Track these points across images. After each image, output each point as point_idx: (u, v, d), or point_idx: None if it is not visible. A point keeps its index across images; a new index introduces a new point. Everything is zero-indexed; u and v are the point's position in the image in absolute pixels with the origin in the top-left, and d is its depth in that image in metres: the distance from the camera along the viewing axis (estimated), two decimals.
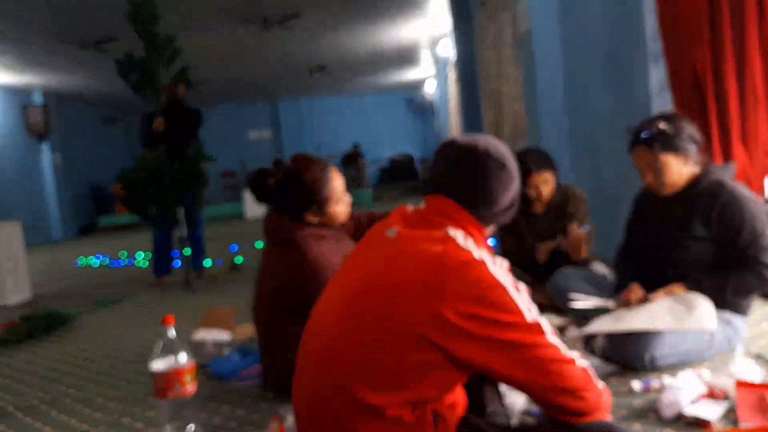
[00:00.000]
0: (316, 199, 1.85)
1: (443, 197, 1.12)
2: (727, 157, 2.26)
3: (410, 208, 1.17)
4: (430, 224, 1.09)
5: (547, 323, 1.06)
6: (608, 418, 1.11)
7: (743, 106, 2.23)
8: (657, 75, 2.81)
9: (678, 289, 1.89)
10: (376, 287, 1.05)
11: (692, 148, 1.90)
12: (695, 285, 1.88)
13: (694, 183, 1.93)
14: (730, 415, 1.48)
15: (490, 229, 1.17)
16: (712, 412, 1.45)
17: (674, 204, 1.97)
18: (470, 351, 1.00)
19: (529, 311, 1.03)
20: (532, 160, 2.62)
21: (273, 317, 1.93)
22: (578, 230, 2.53)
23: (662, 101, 2.81)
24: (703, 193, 1.91)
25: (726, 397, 1.54)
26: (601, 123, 3.71)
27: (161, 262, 4.64)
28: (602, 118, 3.69)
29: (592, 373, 1.08)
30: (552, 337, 1.04)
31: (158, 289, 4.46)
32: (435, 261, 1.01)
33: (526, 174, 2.66)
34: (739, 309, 1.93)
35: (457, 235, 1.06)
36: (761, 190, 2.33)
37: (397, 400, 1.01)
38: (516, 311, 1.01)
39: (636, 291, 1.98)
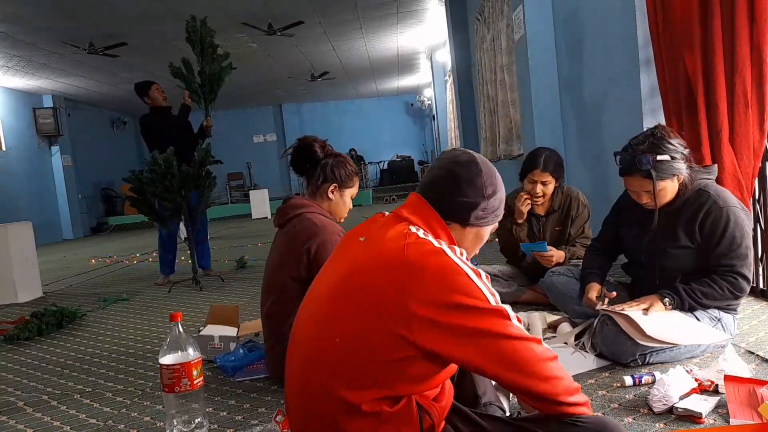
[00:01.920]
0: (347, 178, 2.10)
1: (419, 196, 1.19)
2: (717, 158, 2.28)
3: (385, 214, 1.22)
4: (396, 222, 1.14)
5: (511, 310, 1.07)
6: (588, 411, 1.10)
7: (733, 109, 2.24)
8: (648, 79, 2.85)
9: (656, 305, 1.90)
10: (348, 289, 1.09)
11: (683, 165, 1.91)
12: (672, 291, 1.91)
13: (680, 192, 1.95)
14: (720, 410, 1.51)
15: (461, 232, 1.18)
16: (702, 406, 1.49)
17: (660, 213, 1.98)
18: (437, 341, 1.01)
19: (492, 296, 1.05)
20: (544, 158, 2.69)
21: (276, 296, 2.01)
22: (540, 254, 2.67)
23: (653, 105, 2.85)
24: (687, 202, 1.93)
25: (716, 392, 1.57)
26: (594, 127, 3.77)
27: (167, 261, 4.72)
28: (595, 123, 3.74)
29: (558, 363, 1.08)
30: (516, 323, 1.05)
31: (165, 286, 4.53)
32: (397, 257, 1.04)
33: (531, 167, 2.71)
34: (728, 307, 1.95)
35: (418, 231, 1.11)
36: (751, 192, 2.35)
37: (371, 396, 1.03)
38: (479, 296, 1.02)
39: (593, 290, 2.08)
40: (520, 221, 2.83)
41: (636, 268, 2.15)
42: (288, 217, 2.06)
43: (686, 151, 1.92)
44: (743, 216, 1.89)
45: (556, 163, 2.73)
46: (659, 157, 1.86)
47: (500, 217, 1.23)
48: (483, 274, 1.07)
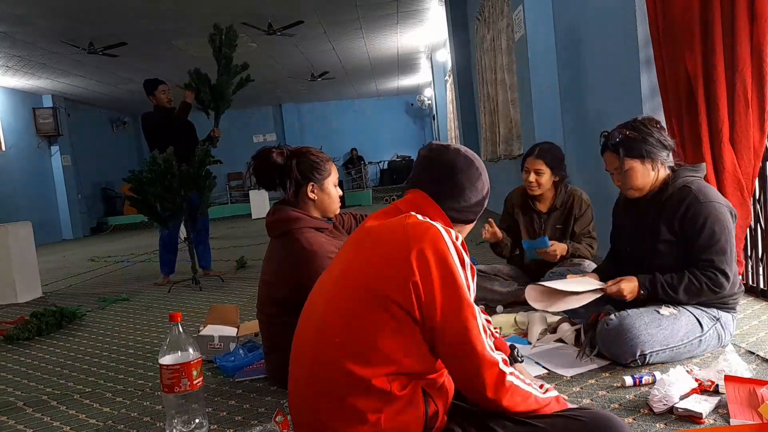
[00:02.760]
0: (318, 170, 1.98)
1: (418, 191, 1.25)
2: (717, 158, 2.28)
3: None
4: (399, 212, 1.22)
5: (480, 314, 1.13)
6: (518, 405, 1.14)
7: (733, 109, 2.24)
8: (648, 80, 2.85)
9: (629, 283, 1.94)
10: (356, 267, 1.16)
11: (661, 154, 1.92)
12: (651, 283, 1.92)
13: (664, 187, 1.96)
14: (721, 410, 1.51)
15: (460, 228, 1.26)
16: (702, 406, 1.49)
17: (647, 209, 2.00)
18: (427, 305, 1.07)
19: (471, 291, 1.12)
20: (539, 149, 2.71)
21: (274, 310, 2.00)
22: (543, 250, 2.66)
23: (653, 105, 2.85)
24: (670, 198, 1.94)
25: (716, 392, 1.57)
26: (595, 127, 3.77)
27: (167, 261, 4.73)
28: (595, 123, 3.75)
29: (513, 379, 1.12)
30: (479, 325, 1.10)
31: (165, 286, 4.53)
32: (400, 231, 1.13)
33: (527, 155, 2.73)
34: (726, 305, 1.95)
35: (426, 216, 1.18)
36: (751, 192, 2.35)
37: (382, 371, 1.07)
38: (456, 280, 1.09)
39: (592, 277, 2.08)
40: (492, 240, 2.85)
41: (625, 266, 2.16)
42: (281, 231, 1.99)
43: (668, 143, 1.94)
44: (724, 212, 1.88)
45: (553, 155, 2.72)
46: (628, 132, 1.91)
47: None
48: (468, 263, 1.14)
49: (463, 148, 1.27)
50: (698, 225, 1.86)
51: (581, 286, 1.97)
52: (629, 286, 1.93)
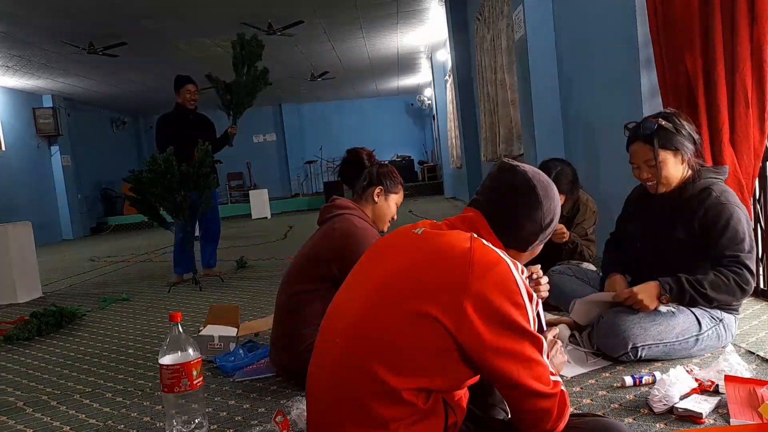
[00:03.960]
0: (392, 182, 2.16)
1: (476, 210, 1.19)
2: (717, 158, 2.28)
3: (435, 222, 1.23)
4: (456, 226, 1.17)
5: (545, 342, 1.09)
6: None
7: (734, 109, 2.24)
8: (648, 80, 2.85)
9: (652, 288, 1.89)
10: (403, 274, 1.10)
11: (690, 148, 1.91)
12: (675, 282, 1.87)
13: (684, 186, 1.95)
14: (721, 410, 1.51)
15: (513, 254, 1.18)
16: (702, 406, 1.49)
17: (663, 206, 1.99)
18: (473, 343, 1.02)
19: (535, 323, 1.06)
20: (555, 175, 2.60)
21: (303, 287, 2.03)
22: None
23: (653, 105, 2.85)
24: (690, 199, 1.93)
25: (716, 392, 1.57)
26: (595, 127, 3.77)
27: (180, 261, 4.67)
28: (595, 123, 3.75)
29: (564, 403, 1.10)
30: (544, 358, 1.07)
31: (178, 285, 4.52)
32: (463, 254, 1.05)
33: None
34: (729, 306, 1.95)
35: (482, 238, 1.12)
36: (751, 191, 2.35)
37: (413, 384, 1.04)
38: (525, 318, 1.04)
39: (619, 282, 2.06)
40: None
41: (639, 266, 2.14)
42: (330, 215, 2.10)
43: (696, 137, 1.93)
44: (745, 216, 1.89)
45: (569, 181, 2.68)
46: (663, 122, 1.89)
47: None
48: (535, 298, 1.09)
49: (532, 171, 1.18)
50: (721, 224, 1.85)
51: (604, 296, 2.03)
52: (646, 293, 1.87)
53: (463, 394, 1.17)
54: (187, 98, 4.65)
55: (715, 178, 1.97)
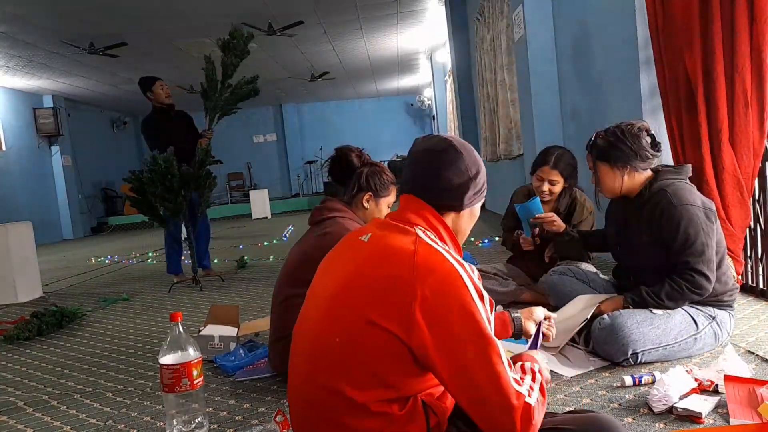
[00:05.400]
0: (382, 187, 2.13)
1: (411, 195, 1.18)
2: (717, 158, 2.28)
3: (384, 219, 1.22)
4: (401, 226, 1.13)
5: (502, 347, 1.04)
6: None
7: (733, 109, 2.25)
8: (648, 80, 2.85)
9: (618, 302, 2.01)
10: (352, 284, 1.08)
11: (633, 162, 1.93)
12: (638, 295, 1.95)
13: (643, 190, 1.99)
14: (720, 410, 1.51)
15: (458, 218, 1.18)
16: (702, 406, 1.49)
17: (627, 210, 2.04)
18: (424, 351, 1.00)
19: (489, 325, 1.03)
20: (554, 158, 2.66)
21: (294, 291, 2.00)
22: (541, 217, 2.59)
23: (653, 105, 2.86)
24: (648, 201, 1.96)
25: (716, 392, 1.57)
26: (594, 127, 3.76)
27: (172, 261, 4.71)
28: (595, 123, 3.75)
29: (533, 410, 1.02)
30: (503, 360, 1.02)
31: (178, 284, 4.53)
32: (407, 258, 1.03)
33: (541, 164, 2.69)
34: (721, 303, 1.96)
35: (428, 235, 1.10)
36: (751, 191, 2.36)
37: (378, 396, 1.03)
38: (477, 322, 1.01)
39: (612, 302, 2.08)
40: (529, 248, 2.80)
41: (619, 269, 2.23)
42: (321, 217, 2.09)
43: (644, 153, 1.93)
44: (698, 214, 1.87)
45: (568, 164, 2.69)
46: (602, 137, 1.97)
47: (485, 191, 1.22)
48: (486, 296, 1.07)
49: (446, 135, 1.19)
50: (672, 229, 1.87)
51: (575, 308, 2.07)
52: (612, 308, 2.00)
53: (444, 393, 1.14)
54: (161, 94, 4.60)
55: (674, 179, 1.96)
